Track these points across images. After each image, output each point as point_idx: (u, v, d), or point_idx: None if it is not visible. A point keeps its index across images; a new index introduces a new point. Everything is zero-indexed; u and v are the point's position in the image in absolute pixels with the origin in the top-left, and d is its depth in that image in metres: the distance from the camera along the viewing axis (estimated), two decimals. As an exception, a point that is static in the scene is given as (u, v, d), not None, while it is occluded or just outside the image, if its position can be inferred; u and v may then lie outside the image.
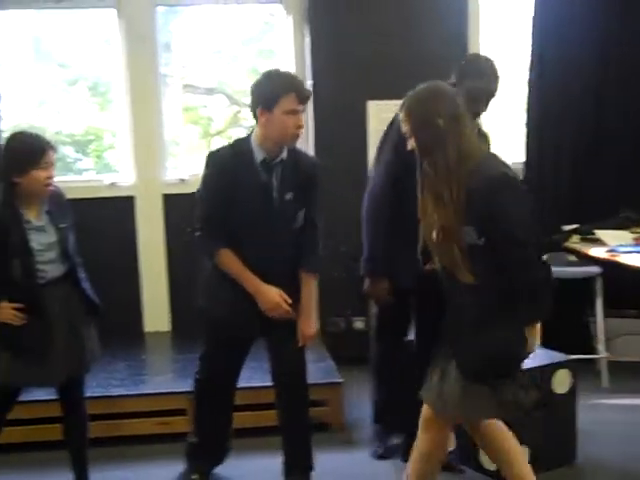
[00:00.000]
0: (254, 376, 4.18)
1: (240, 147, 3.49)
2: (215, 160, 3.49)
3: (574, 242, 5.21)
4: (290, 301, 3.50)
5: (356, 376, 4.65)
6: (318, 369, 4.58)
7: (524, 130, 5.54)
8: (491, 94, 3.68)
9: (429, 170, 2.89)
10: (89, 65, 5.66)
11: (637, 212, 5.25)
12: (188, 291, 4.18)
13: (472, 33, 5.50)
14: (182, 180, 5.39)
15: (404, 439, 3.91)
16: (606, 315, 5.09)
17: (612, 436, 4.26)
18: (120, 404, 4.29)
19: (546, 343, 4.80)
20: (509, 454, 3.18)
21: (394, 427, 4.11)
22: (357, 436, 4.32)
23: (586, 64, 5.42)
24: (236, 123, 5.66)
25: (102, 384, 4.32)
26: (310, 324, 3.62)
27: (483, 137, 3.82)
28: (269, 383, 3.86)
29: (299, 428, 3.74)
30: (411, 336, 3.93)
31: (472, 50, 5.44)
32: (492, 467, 3.72)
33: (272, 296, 3.48)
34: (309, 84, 5.37)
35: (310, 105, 5.36)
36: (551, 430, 3.85)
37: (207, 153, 3.57)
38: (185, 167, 5.57)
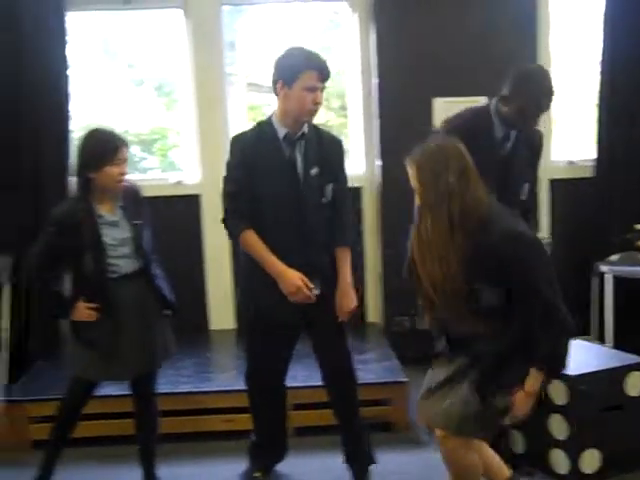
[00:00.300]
0: (313, 375, 4.11)
1: (262, 127, 3.53)
2: (238, 142, 3.53)
3: (646, 241, 5.10)
4: (311, 286, 3.46)
5: (421, 375, 4.57)
6: (383, 368, 4.58)
7: (595, 127, 5.43)
8: (542, 110, 3.59)
9: (432, 227, 2.86)
10: (155, 65, 5.71)
11: None
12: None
13: (542, 30, 5.41)
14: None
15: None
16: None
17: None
18: (187, 401, 4.32)
19: (619, 345, 4.73)
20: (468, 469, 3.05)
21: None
22: (421, 436, 4.28)
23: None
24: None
25: (170, 381, 4.35)
26: (349, 298, 3.58)
27: (536, 134, 3.83)
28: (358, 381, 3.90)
29: (353, 424, 3.75)
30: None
31: (541, 49, 5.37)
32: (562, 470, 3.68)
33: (294, 280, 3.43)
34: (374, 82, 5.35)
35: (375, 102, 5.37)
36: (624, 433, 3.77)
37: (231, 138, 3.60)
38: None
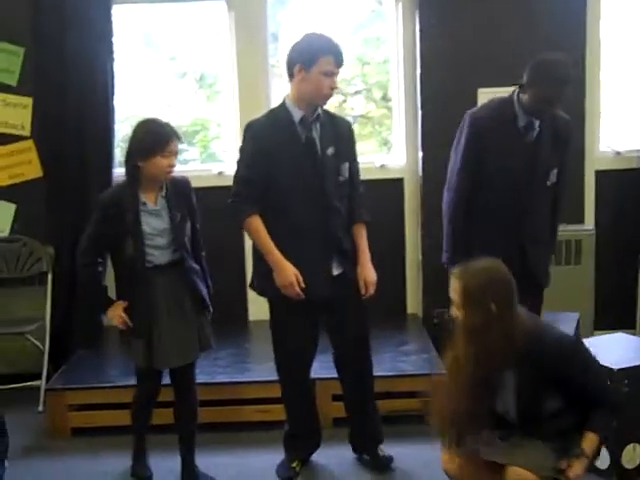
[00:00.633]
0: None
1: (276, 112, 3.64)
2: (252, 129, 3.61)
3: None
4: (303, 285, 3.52)
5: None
6: (422, 360, 4.56)
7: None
8: (553, 99, 3.61)
9: (470, 350, 2.91)
10: (197, 57, 5.73)
11: None
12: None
13: (591, 19, 5.29)
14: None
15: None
16: None
17: None
18: (224, 391, 4.35)
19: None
20: None
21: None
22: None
23: None
24: (341, 112, 5.61)
25: (207, 371, 4.36)
26: (370, 271, 3.69)
27: (562, 122, 3.84)
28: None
29: (368, 411, 3.87)
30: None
31: (590, 38, 5.27)
32: (603, 465, 3.62)
33: (288, 274, 3.52)
34: (418, 73, 5.29)
35: (418, 93, 5.32)
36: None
37: (245, 125, 3.67)
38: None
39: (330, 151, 3.61)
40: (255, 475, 3.88)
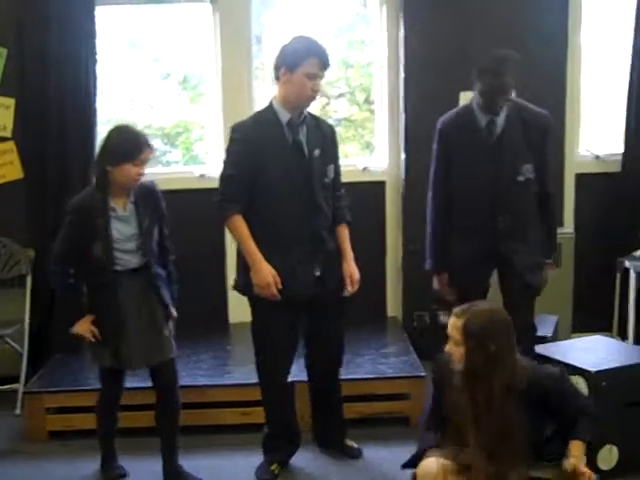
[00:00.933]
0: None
1: (263, 114, 3.70)
2: (238, 130, 3.66)
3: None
4: (280, 287, 3.57)
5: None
6: (402, 363, 4.58)
7: (623, 121, 5.33)
8: (498, 89, 3.65)
9: (472, 399, 2.97)
10: (181, 59, 5.72)
11: None
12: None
13: (573, 23, 5.32)
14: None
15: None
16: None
17: None
18: (205, 394, 4.34)
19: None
20: None
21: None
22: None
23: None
24: (325, 115, 5.62)
25: (188, 374, 4.37)
26: (355, 268, 3.75)
27: (533, 114, 3.86)
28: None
29: (340, 412, 4.02)
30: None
31: (572, 42, 5.30)
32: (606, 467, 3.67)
33: (265, 275, 3.57)
34: (401, 77, 5.30)
35: (401, 97, 5.33)
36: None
37: (231, 126, 3.73)
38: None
39: (317, 153, 3.67)
40: (234, 478, 3.87)
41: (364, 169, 5.48)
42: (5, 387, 4.80)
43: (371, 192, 5.44)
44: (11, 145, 5.15)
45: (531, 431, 3.03)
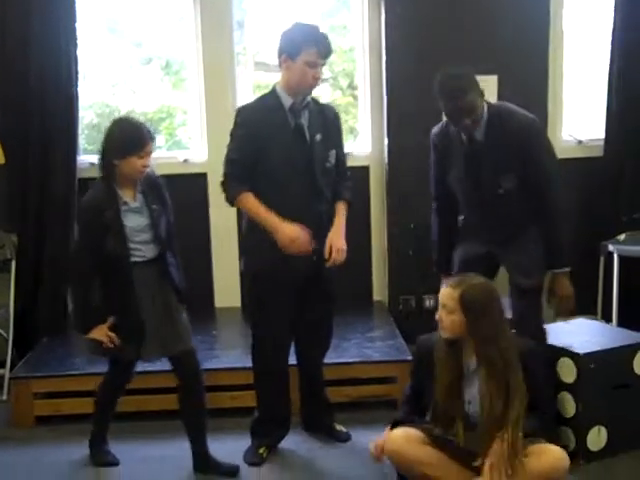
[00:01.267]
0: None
1: (267, 99, 3.74)
2: (243, 113, 3.71)
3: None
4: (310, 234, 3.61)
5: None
6: (388, 347, 4.59)
7: (604, 106, 5.38)
8: (461, 112, 3.52)
9: (486, 363, 3.19)
10: (163, 44, 5.69)
11: None
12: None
13: (554, 8, 5.34)
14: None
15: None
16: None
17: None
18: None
19: (622, 324, 4.71)
20: None
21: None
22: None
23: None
24: (308, 100, 5.61)
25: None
26: (339, 238, 3.71)
27: (514, 124, 3.66)
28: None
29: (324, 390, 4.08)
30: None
31: (554, 27, 5.32)
32: (569, 448, 3.68)
33: (291, 230, 3.57)
34: (383, 61, 5.31)
35: (384, 82, 5.33)
36: (630, 411, 3.78)
37: (236, 110, 3.78)
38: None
39: (318, 137, 3.70)
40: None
41: (347, 154, 5.47)
42: (-10, 372, 4.78)
43: (355, 177, 5.38)
44: (-9, 130, 5.10)
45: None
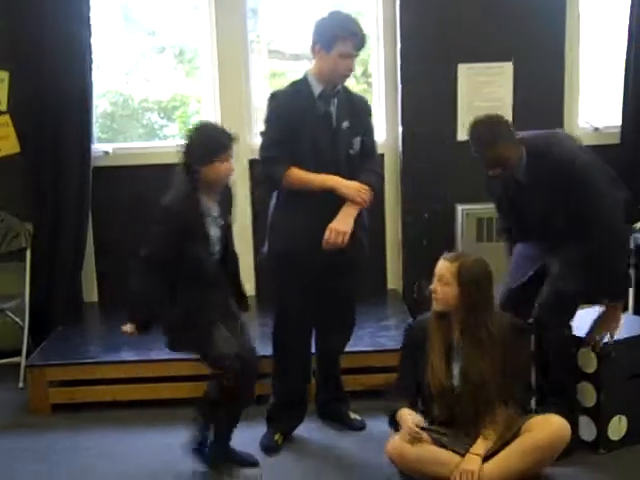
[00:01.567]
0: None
1: (299, 85, 3.76)
2: (275, 98, 3.74)
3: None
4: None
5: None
6: (402, 335, 4.52)
7: (621, 93, 5.33)
8: (491, 164, 3.57)
9: (472, 336, 3.40)
10: (176, 32, 5.69)
11: None
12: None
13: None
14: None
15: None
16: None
17: None
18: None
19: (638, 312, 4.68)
20: None
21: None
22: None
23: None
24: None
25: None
26: (339, 221, 3.64)
27: (555, 164, 3.62)
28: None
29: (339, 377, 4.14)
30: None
31: (570, 12, 5.28)
32: (589, 437, 3.72)
33: (353, 183, 3.65)
34: (398, 48, 5.28)
35: (398, 69, 5.31)
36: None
37: (269, 94, 3.81)
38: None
39: (345, 125, 3.72)
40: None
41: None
42: (7, 360, 4.80)
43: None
44: (6, 119, 5.11)
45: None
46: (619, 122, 5.38)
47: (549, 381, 3.69)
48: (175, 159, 5.03)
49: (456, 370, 3.42)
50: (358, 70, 5.78)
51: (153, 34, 5.75)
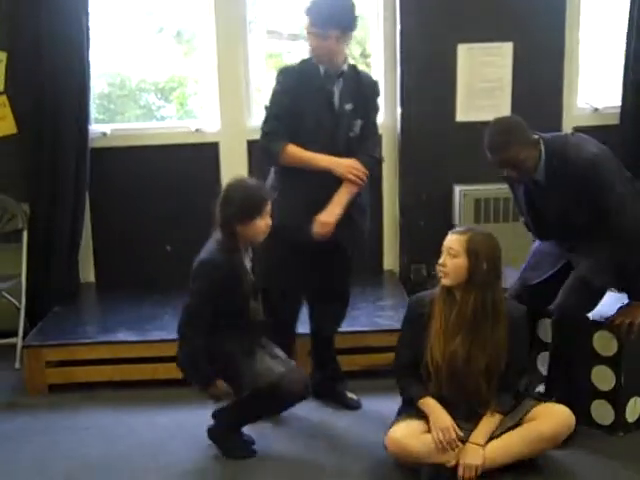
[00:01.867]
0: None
1: (306, 63, 3.79)
2: (284, 73, 3.80)
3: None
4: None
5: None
6: (398, 315, 4.49)
7: (621, 73, 5.30)
8: (504, 165, 3.57)
9: (474, 310, 3.35)
10: (174, 12, 5.65)
11: None
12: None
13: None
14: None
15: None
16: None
17: None
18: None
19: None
20: None
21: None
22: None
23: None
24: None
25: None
26: (326, 212, 3.67)
27: (570, 168, 3.61)
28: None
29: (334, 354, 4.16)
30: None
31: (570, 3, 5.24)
32: (606, 421, 3.71)
33: (348, 161, 3.68)
34: (397, 29, 5.25)
35: (397, 50, 5.28)
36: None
37: (277, 69, 3.87)
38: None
39: (348, 107, 3.74)
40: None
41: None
42: (3, 341, 4.81)
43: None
44: (3, 99, 5.09)
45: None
46: (619, 103, 5.34)
47: (560, 367, 3.69)
48: (174, 140, 5.06)
49: (460, 348, 3.36)
50: (356, 51, 5.76)
51: (151, 14, 5.72)
